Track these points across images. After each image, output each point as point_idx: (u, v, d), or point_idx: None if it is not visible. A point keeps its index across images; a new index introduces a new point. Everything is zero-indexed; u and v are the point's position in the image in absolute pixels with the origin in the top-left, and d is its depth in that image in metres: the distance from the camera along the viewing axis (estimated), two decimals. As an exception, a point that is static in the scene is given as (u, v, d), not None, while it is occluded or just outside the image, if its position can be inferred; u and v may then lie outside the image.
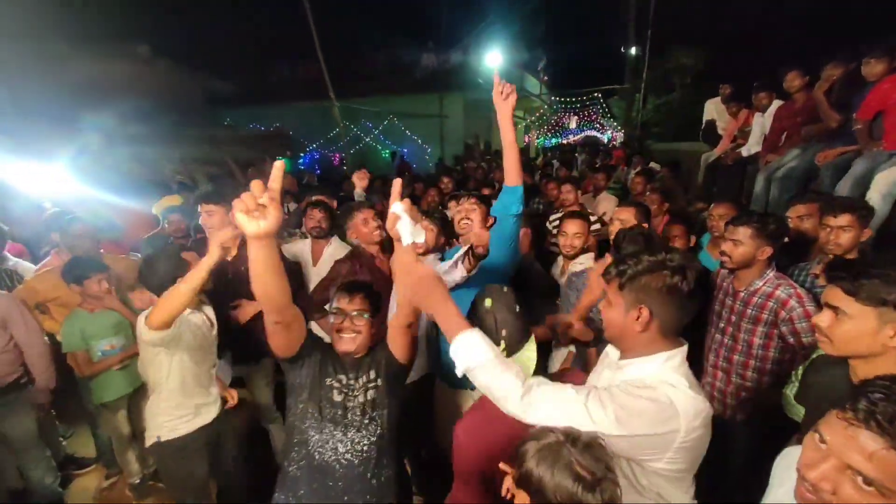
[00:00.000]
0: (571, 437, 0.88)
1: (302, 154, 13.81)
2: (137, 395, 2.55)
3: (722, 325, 2.01)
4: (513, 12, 12.15)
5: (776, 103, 3.98)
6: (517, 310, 1.28)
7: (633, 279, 1.04)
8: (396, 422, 1.53)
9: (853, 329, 1.04)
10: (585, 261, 2.40)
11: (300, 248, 3.10)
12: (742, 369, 1.94)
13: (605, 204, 4.79)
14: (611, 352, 1.20)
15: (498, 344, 1.18)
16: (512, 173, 1.99)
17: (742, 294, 1.92)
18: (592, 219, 3.78)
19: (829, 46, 3.66)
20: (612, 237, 2.49)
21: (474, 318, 1.28)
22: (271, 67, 16.60)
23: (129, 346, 2.44)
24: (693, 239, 2.68)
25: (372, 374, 1.53)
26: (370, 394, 1.50)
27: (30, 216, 3.63)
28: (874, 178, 2.48)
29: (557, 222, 3.70)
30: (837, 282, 1.07)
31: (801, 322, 1.74)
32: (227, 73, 13.36)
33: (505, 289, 1.34)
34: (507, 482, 0.94)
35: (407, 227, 1.24)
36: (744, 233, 1.83)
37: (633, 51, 10.89)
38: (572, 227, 2.36)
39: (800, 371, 1.65)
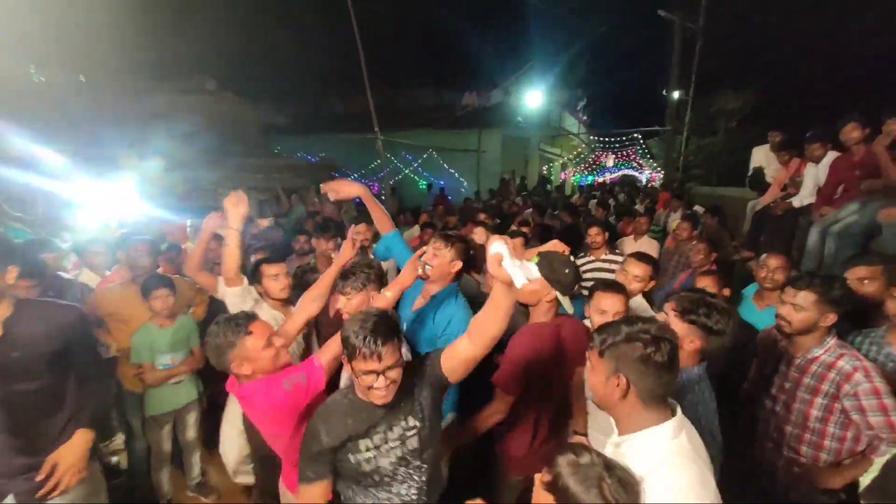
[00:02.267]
0: (608, 465, 0.97)
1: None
2: (184, 411, 2.68)
3: (774, 391, 1.89)
4: (556, 53, 12.45)
5: (831, 154, 3.83)
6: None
7: (611, 348, 1.10)
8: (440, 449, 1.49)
9: None
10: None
11: None
12: (796, 443, 1.80)
13: (646, 247, 4.69)
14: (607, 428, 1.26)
15: None
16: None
17: (798, 361, 1.80)
18: (621, 256, 3.65)
19: (886, 99, 3.53)
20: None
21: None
22: (322, 101, 17.69)
23: (186, 361, 2.63)
24: (727, 291, 2.55)
25: (410, 422, 1.37)
26: (411, 443, 1.36)
27: (101, 235, 3.95)
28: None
29: (588, 265, 3.70)
30: None
31: (870, 399, 1.60)
32: (281, 106, 14.36)
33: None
34: (538, 483, 1.03)
35: (513, 266, 1.14)
36: (806, 297, 1.72)
37: (675, 94, 10.84)
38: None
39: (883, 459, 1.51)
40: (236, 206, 2.14)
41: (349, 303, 1.94)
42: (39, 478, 1.57)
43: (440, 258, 2.06)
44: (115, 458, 3.08)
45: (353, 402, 1.39)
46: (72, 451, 1.64)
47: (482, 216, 4.85)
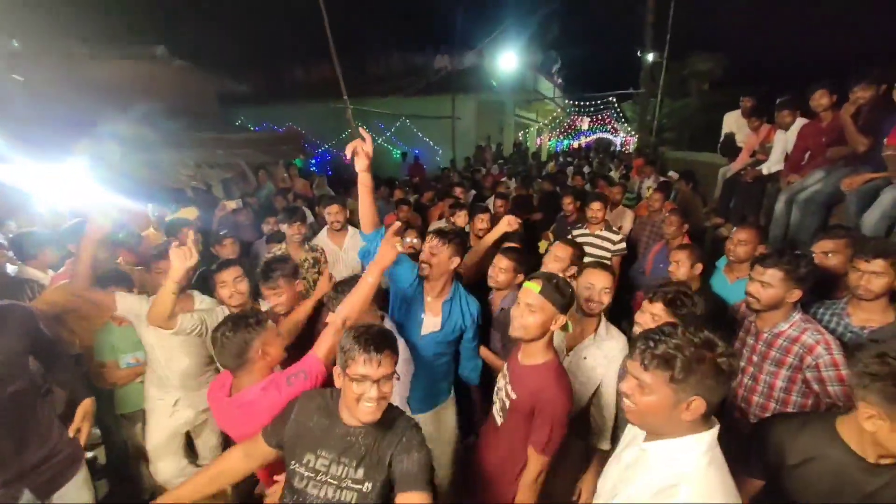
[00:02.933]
0: None
1: (314, 155, 13.87)
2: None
3: (742, 364, 1.96)
4: (528, 15, 11.99)
5: (800, 121, 3.88)
6: None
7: (686, 374, 0.99)
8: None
9: None
10: None
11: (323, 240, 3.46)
12: (760, 411, 1.89)
13: (624, 218, 4.74)
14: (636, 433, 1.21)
15: None
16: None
17: (766, 335, 1.87)
18: (617, 236, 3.69)
19: (859, 62, 3.55)
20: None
21: None
22: (285, 68, 16.70)
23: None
24: (700, 266, 2.60)
25: (358, 473, 1.25)
26: (346, 495, 1.25)
27: (48, 224, 3.67)
28: (905, 212, 2.39)
29: (582, 238, 3.72)
30: None
31: (828, 370, 1.68)
32: (241, 74, 13.48)
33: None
34: None
35: None
36: (773, 275, 1.78)
37: (649, 56, 10.71)
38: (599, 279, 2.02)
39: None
40: (182, 260, 1.85)
41: (279, 298, 2.17)
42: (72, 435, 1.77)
43: (439, 256, 2.03)
44: (91, 453, 3.01)
45: (329, 405, 1.37)
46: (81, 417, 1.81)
47: (458, 191, 4.74)
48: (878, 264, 1.75)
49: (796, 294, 1.78)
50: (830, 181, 3.22)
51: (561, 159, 13.32)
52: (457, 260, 2.08)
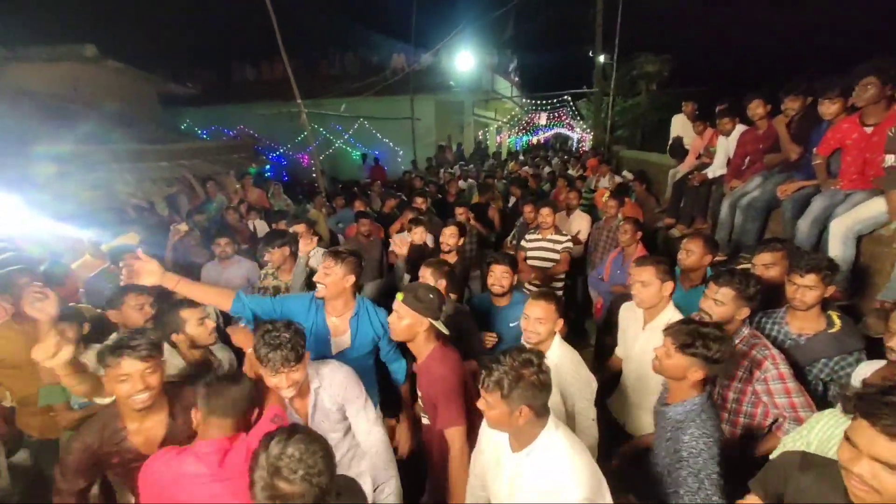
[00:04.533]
0: None
1: (269, 160, 13.33)
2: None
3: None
4: (484, 16, 12.05)
5: (740, 128, 4.10)
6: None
7: (511, 389, 1.30)
8: None
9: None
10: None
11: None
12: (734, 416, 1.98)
13: (579, 222, 4.86)
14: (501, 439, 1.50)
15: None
16: None
17: None
18: (565, 237, 3.89)
19: (794, 69, 3.79)
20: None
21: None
22: (235, 67, 15.94)
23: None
24: (671, 285, 2.70)
25: None
26: None
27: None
28: (831, 223, 2.57)
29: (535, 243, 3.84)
30: (873, 420, 0.98)
31: (775, 383, 1.78)
32: (186, 74, 12.74)
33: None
34: None
35: None
36: (726, 294, 1.87)
37: (601, 57, 11.05)
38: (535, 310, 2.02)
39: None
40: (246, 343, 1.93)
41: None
42: None
43: (332, 276, 2.09)
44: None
45: None
46: None
47: (419, 201, 4.68)
48: (811, 279, 1.87)
49: (745, 311, 1.88)
50: (768, 187, 3.42)
51: (521, 157, 13.53)
52: (351, 278, 2.13)
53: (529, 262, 3.95)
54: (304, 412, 1.77)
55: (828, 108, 2.88)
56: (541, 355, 1.38)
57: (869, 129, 2.67)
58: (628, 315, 2.39)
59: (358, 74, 13.97)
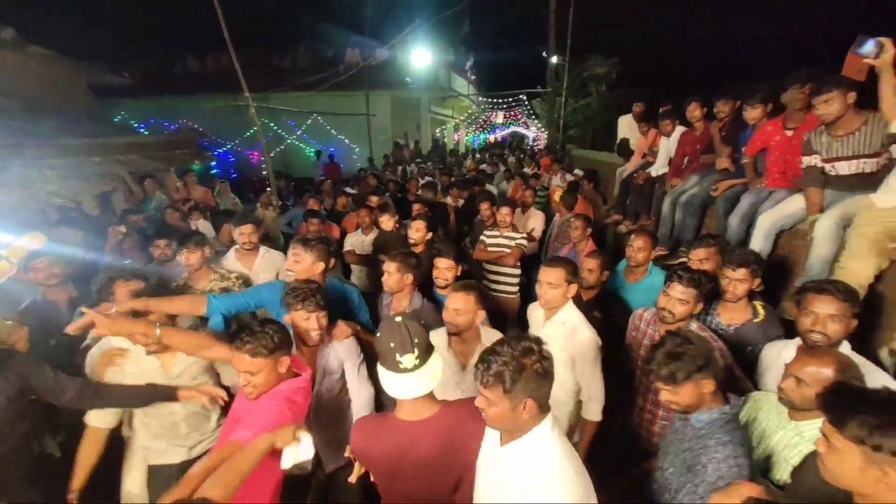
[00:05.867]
0: None
1: (215, 156, 12.63)
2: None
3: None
4: (439, 12, 12.02)
5: (679, 129, 4.35)
6: (422, 322, 1.49)
7: (514, 381, 1.20)
8: None
9: (841, 464, 1.02)
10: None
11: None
12: (667, 411, 2.08)
13: (534, 220, 4.98)
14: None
15: (413, 352, 1.38)
16: None
17: None
18: (520, 234, 3.96)
19: (730, 75, 4.09)
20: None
21: (387, 334, 1.41)
22: (176, 57, 14.96)
23: None
24: (607, 273, 2.82)
25: None
26: None
27: None
28: (757, 217, 2.79)
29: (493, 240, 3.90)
30: (827, 410, 1.06)
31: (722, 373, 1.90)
32: (122, 63, 11.77)
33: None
34: None
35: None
36: (690, 294, 1.95)
37: (553, 58, 11.37)
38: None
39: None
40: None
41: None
42: None
43: (302, 263, 2.15)
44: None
45: None
46: None
47: (374, 200, 4.61)
48: (742, 272, 2.02)
49: (700, 307, 2.01)
50: (703, 185, 3.66)
51: (478, 155, 13.67)
52: (321, 265, 2.21)
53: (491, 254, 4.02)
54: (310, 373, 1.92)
55: (750, 114, 3.13)
56: (540, 341, 1.27)
57: (790, 133, 2.91)
58: (534, 313, 2.42)
59: (311, 68, 13.51)
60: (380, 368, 1.48)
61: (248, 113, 7.80)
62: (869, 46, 2.04)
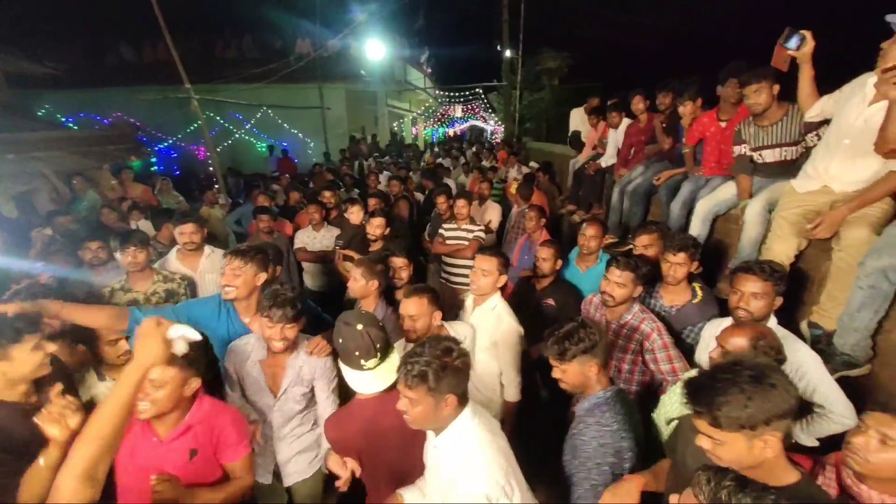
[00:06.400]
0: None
1: (155, 152, 11.82)
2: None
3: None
4: (392, 4, 11.83)
5: (626, 121, 4.52)
6: (381, 325, 1.61)
7: (437, 380, 1.27)
8: None
9: (731, 454, 1.08)
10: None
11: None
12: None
13: (491, 212, 5.03)
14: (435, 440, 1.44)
15: (376, 356, 1.54)
16: None
17: (613, 326, 2.15)
18: (478, 227, 3.98)
19: (675, 69, 4.27)
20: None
21: (351, 342, 1.53)
22: (108, 45, 13.81)
23: None
24: (559, 262, 2.89)
25: None
26: None
27: None
28: (696, 204, 2.95)
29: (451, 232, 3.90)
30: (700, 416, 1.10)
31: (661, 352, 2.01)
32: (45, 51, 10.71)
33: (363, 311, 1.71)
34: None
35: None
36: (626, 277, 2.06)
37: (507, 52, 11.50)
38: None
39: (667, 398, 1.86)
40: None
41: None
42: None
43: (243, 276, 2.05)
44: None
45: None
46: None
47: (327, 195, 4.48)
48: (682, 256, 2.13)
49: (639, 290, 2.11)
50: (647, 175, 3.83)
51: (436, 149, 13.63)
52: (263, 275, 2.12)
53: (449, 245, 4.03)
54: (278, 381, 1.91)
55: (685, 109, 3.30)
56: (457, 341, 1.38)
57: (724, 124, 3.08)
58: (468, 303, 2.50)
59: (258, 59, 12.91)
60: (342, 365, 1.62)
61: (190, 105, 7.36)
62: (794, 39, 2.18)
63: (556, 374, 1.58)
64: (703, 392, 1.08)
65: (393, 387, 1.51)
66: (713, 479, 0.95)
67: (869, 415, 1.21)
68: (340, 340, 1.58)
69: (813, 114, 2.31)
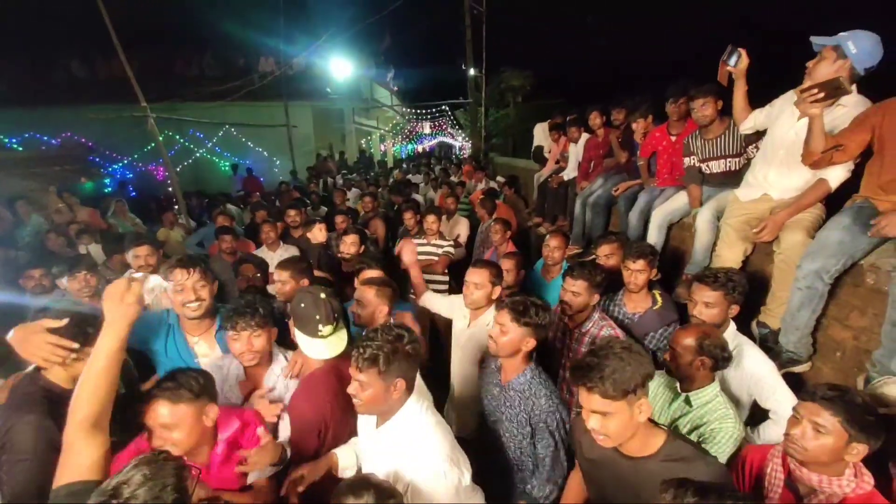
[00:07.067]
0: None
1: (109, 172, 11.28)
2: None
3: (563, 361, 2.26)
4: (357, 22, 11.93)
5: (585, 136, 4.70)
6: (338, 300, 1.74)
7: (388, 363, 1.31)
8: None
9: (618, 424, 1.21)
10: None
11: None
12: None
13: (459, 226, 5.07)
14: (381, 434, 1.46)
15: (333, 323, 1.65)
16: None
17: (576, 334, 2.19)
18: (447, 242, 4.02)
19: (631, 87, 4.51)
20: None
21: (312, 307, 1.63)
22: (57, 61, 13.19)
23: None
24: (522, 273, 2.95)
25: None
26: None
27: None
28: (652, 212, 3.09)
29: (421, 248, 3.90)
30: (592, 391, 1.21)
31: None
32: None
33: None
34: None
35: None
36: (581, 286, 2.10)
37: (472, 71, 11.82)
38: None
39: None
40: None
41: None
42: None
43: (208, 286, 1.95)
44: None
45: None
46: None
47: (292, 213, 4.40)
48: (641, 264, 2.21)
49: (596, 297, 2.16)
50: (608, 186, 3.98)
51: (404, 166, 13.69)
52: (213, 287, 2.03)
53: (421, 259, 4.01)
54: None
55: (636, 127, 3.49)
56: (411, 330, 1.43)
57: (674, 138, 3.26)
58: (457, 311, 2.46)
59: (220, 76, 12.67)
60: (297, 332, 1.68)
61: (146, 124, 7.10)
62: (734, 57, 2.35)
63: (494, 331, 1.71)
64: (591, 369, 1.20)
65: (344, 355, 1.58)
66: (676, 491, 0.99)
67: (801, 404, 1.29)
68: (302, 305, 1.65)
69: (746, 126, 2.49)
